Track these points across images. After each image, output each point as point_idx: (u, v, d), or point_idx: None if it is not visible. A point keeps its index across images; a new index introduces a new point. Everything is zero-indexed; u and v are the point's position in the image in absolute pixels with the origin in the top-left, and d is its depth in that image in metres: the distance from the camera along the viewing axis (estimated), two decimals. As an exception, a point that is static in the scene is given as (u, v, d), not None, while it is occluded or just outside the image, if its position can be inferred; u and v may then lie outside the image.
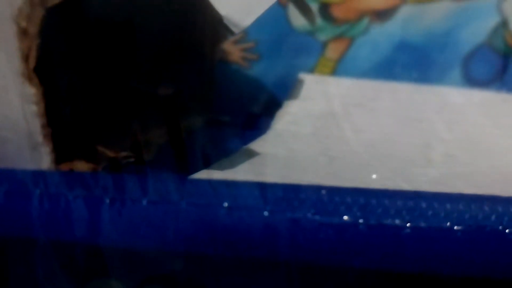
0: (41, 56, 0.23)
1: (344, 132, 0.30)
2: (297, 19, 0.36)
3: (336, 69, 0.35)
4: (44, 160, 0.24)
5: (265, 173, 0.27)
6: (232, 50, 0.37)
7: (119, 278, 0.30)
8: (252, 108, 0.33)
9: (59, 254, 0.29)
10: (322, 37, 0.36)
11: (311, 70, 0.36)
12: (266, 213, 0.21)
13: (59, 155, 0.24)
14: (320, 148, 0.29)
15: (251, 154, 0.28)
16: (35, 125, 0.23)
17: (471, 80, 0.34)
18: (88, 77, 0.24)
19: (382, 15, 0.35)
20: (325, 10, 0.36)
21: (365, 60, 0.35)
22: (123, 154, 0.26)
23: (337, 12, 0.36)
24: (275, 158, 0.28)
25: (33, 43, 0.23)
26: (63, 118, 0.24)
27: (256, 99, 0.34)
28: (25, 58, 0.23)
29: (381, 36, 0.35)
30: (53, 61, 0.23)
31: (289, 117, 0.32)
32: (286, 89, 0.34)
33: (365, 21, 0.35)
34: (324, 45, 0.36)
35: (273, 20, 0.36)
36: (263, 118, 0.32)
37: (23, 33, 0.23)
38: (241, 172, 0.27)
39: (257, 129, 0.31)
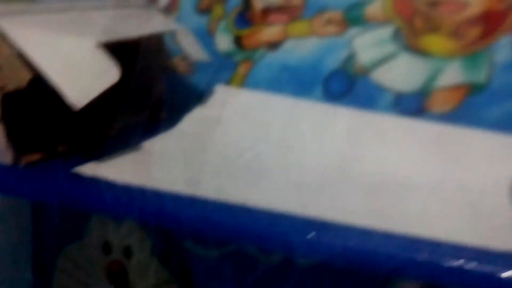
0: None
1: (216, 136, 0.45)
2: (220, 45, 0.52)
3: (244, 83, 0.51)
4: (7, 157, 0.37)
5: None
6: (180, 64, 0.53)
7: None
8: (175, 110, 0.48)
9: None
10: (236, 59, 0.51)
11: (229, 82, 0.52)
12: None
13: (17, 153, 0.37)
14: (184, 147, 0.43)
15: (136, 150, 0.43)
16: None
17: (329, 95, 0.48)
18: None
19: (273, 46, 0.50)
20: (238, 40, 0.51)
21: (262, 77, 0.50)
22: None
23: (245, 42, 0.51)
24: (147, 155, 0.43)
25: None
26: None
27: (186, 104, 0.50)
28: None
29: (272, 60, 0.50)
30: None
31: (189, 120, 0.47)
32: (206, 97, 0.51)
33: (263, 49, 0.50)
34: (237, 64, 0.51)
35: (205, 44, 0.51)
36: (175, 120, 0.47)
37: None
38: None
39: (161, 129, 0.47)
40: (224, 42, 0.52)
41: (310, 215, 0.33)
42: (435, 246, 0.31)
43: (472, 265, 0.29)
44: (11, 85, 0.33)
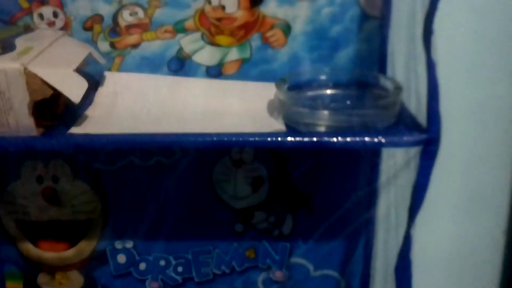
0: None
1: (120, 102, 0.83)
2: (101, 48, 0.88)
3: (119, 69, 0.89)
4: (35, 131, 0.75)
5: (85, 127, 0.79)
6: (76, 61, 0.88)
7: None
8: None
9: None
10: (112, 55, 0.88)
11: (110, 69, 0.89)
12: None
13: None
14: (106, 112, 0.81)
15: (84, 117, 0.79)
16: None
17: (171, 71, 0.89)
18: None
19: (135, 46, 0.88)
20: (112, 44, 0.88)
21: (130, 65, 0.89)
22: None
23: (117, 45, 0.88)
24: (92, 118, 0.80)
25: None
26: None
27: (92, 86, 0.86)
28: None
29: (135, 54, 0.88)
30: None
31: (99, 95, 0.84)
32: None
33: (129, 48, 0.88)
34: (113, 58, 0.89)
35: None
36: (91, 98, 0.84)
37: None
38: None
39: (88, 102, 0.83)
40: (103, 46, 0.88)
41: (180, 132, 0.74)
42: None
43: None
44: (38, 97, 0.68)
